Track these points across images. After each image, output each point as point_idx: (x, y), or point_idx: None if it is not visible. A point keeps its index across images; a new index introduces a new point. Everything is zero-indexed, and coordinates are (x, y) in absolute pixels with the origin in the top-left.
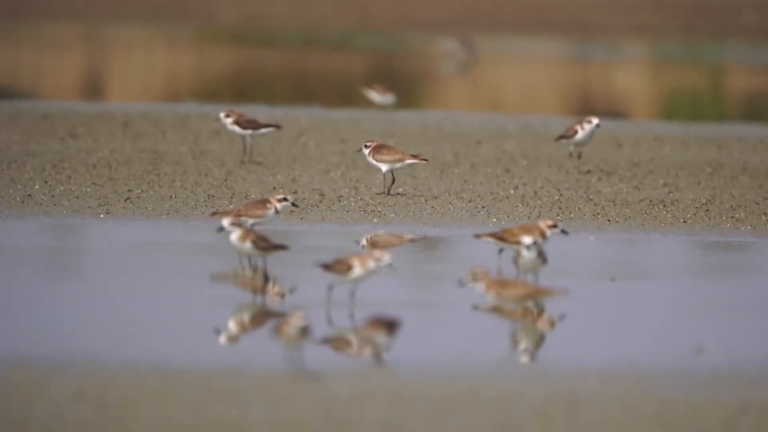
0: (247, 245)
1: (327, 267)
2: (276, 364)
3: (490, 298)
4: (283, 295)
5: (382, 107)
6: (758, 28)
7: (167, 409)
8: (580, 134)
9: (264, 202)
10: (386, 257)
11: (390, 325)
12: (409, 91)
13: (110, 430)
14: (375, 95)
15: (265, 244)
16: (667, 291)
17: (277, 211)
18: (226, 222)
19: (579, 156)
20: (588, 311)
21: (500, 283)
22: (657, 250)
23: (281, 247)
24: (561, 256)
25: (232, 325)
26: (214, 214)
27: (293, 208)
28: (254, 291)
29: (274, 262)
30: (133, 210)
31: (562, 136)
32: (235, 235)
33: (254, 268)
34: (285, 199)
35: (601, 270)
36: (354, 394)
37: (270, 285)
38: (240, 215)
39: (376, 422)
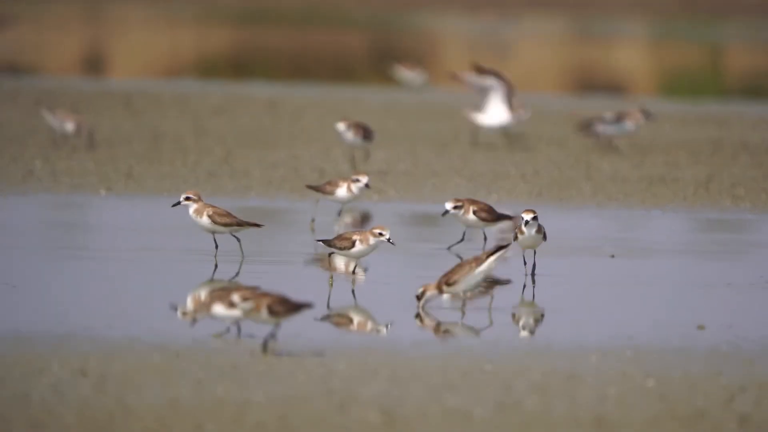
0: (204, 220)
1: (328, 243)
2: (276, 340)
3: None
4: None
5: (411, 84)
6: (758, 6)
7: (168, 386)
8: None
9: (338, 180)
10: (386, 233)
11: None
12: (395, 66)
13: (111, 406)
14: (404, 71)
15: (226, 220)
16: (667, 268)
17: (351, 191)
18: (182, 196)
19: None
20: (587, 288)
21: (444, 281)
22: (657, 227)
23: (250, 224)
24: (561, 232)
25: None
26: (309, 186)
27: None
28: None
29: (279, 237)
30: (134, 187)
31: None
32: (192, 209)
33: (216, 246)
34: (357, 180)
35: (601, 247)
36: (354, 371)
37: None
38: (323, 190)
39: (376, 399)
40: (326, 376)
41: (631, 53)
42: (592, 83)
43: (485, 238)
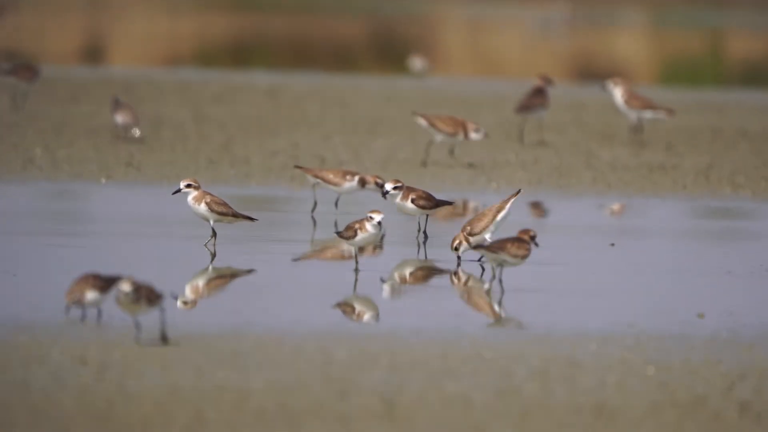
0: (202, 207)
1: (339, 234)
2: (277, 328)
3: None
4: None
5: (415, 71)
6: None
7: (168, 373)
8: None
9: (347, 173)
10: (377, 216)
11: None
12: (409, 56)
13: (111, 393)
14: (413, 59)
15: (223, 210)
16: (666, 255)
17: (364, 185)
18: (183, 183)
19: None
20: (587, 275)
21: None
22: (657, 215)
23: (245, 217)
24: (560, 220)
25: (233, 289)
26: (297, 167)
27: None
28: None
29: (279, 222)
30: (134, 175)
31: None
32: (191, 197)
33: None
34: (380, 185)
35: (601, 235)
36: (354, 358)
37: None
38: (318, 175)
39: (376, 386)
40: (326, 363)
41: (630, 41)
42: (592, 71)
43: (419, 227)
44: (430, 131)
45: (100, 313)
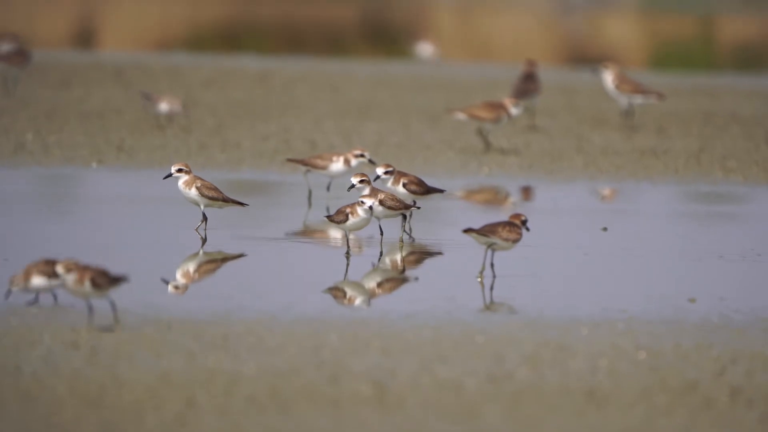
0: (193, 192)
1: (330, 218)
2: (268, 312)
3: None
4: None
5: (423, 56)
6: None
7: (159, 357)
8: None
9: (333, 155)
10: (368, 202)
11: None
12: (400, 40)
13: (102, 378)
14: (420, 45)
15: (213, 194)
16: (658, 240)
17: (349, 165)
18: (174, 167)
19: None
20: (579, 260)
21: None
22: (648, 199)
23: (236, 202)
24: (552, 205)
25: (224, 273)
26: (289, 160)
27: (369, 164)
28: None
29: (270, 206)
30: (126, 159)
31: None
32: (181, 181)
33: (203, 219)
34: (362, 155)
35: (593, 219)
36: (345, 343)
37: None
38: (308, 163)
39: (368, 371)
40: (318, 348)
41: (621, 25)
42: (583, 56)
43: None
44: (473, 123)
45: (54, 298)
